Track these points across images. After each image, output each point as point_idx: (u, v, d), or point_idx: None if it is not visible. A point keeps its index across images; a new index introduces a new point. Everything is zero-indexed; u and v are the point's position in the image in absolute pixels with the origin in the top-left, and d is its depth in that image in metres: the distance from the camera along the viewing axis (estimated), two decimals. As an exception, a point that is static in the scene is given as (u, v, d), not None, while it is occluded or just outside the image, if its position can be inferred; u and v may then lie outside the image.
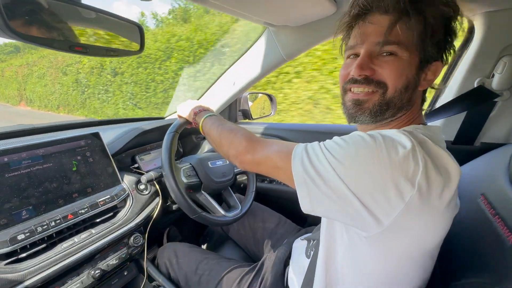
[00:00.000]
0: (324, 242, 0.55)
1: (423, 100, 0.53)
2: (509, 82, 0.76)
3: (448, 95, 0.91)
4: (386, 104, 0.47)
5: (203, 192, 0.91)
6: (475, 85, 0.81)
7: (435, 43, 0.44)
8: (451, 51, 0.46)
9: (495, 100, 0.80)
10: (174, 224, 1.25)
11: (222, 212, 0.89)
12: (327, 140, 0.45)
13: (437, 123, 0.95)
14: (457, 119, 0.89)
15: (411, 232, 0.41)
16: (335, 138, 0.45)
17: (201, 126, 0.73)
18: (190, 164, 0.93)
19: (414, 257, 0.45)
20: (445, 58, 0.45)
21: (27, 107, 9.99)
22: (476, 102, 0.81)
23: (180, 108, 0.85)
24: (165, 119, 1.36)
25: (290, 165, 0.45)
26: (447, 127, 0.92)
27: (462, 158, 0.82)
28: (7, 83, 11.02)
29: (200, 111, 0.77)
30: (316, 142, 0.46)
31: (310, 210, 0.45)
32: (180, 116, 0.85)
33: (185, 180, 0.86)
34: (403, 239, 0.42)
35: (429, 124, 0.52)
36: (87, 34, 0.49)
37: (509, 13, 0.71)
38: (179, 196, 0.77)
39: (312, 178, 0.42)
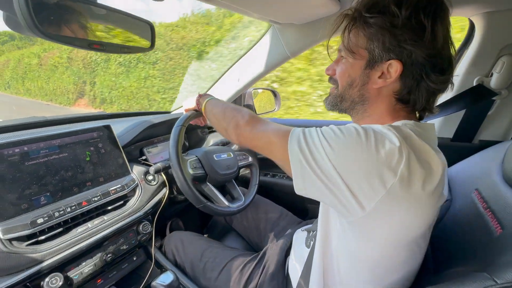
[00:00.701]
0: (321, 231, 0.58)
1: (405, 99, 0.52)
2: (507, 81, 0.78)
3: (447, 93, 0.93)
4: (340, 97, 0.57)
5: (208, 183, 0.95)
6: (474, 84, 0.83)
7: (383, 47, 0.48)
8: (418, 50, 0.47)
9: (494, 98, 0.82)
10: (178, 216, 1.30)
11: (226, 203, 0.93)
12: (324, 127, 0.49)
13: (436, 120, 0.97)
14: (456, 117, 0.91)
15: (393, 219, 0.44)
16: (332, 126, 0.49)
17: (204, 106, 0.78)
18: (196, 156, 0.97)
19: (398, 245, 0.48)
20: (405, 57, 0.47)
21: (91, 107, 7.88)
22: (475, 100, 0.84)
23: (186, 103, 0.90)
24: (171, 113, 1.39)
25: (287, 144, 0.49)
26: (446, 124, 0.95)
27: (461, 154, 0.85)
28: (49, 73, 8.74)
29: (201, 96, 0.84)
30: (314, 127, 0.50)
31: (302, 189, 0.48)
32: (186, 110, 0.89)
33: (191, 172, 0.90)
34: (385, 225, 0.45)
35: (428, 121, 0.55)
36: (103, 32, 0.53)
37: (508, 14, 0.73)
38: (186, 186, 0.81)
39: (306, 158, 0.46)
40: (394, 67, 0.48)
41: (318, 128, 0.49)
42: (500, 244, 0.49)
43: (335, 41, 0.62)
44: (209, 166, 0.96)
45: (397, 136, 0.43)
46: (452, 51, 0.49)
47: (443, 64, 0.48)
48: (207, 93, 0.87)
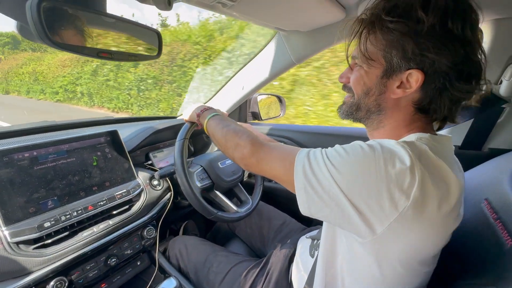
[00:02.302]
0: (324, 244, 0.57)
1: (424, 108, 0.49)
2: (517, 89, 0.76)
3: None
4: (355, 106, 0.54)
5: (215, 191, 0.96)
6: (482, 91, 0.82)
7: (403, 55, 0.45)
8: (442, 58, 0.43)
9: (503, 106, 0.80)
10: (182, 220, 1.30)
11: (235, 208, 0.94)
12: (329, 148, 0.48)
13: (444, 128, 0.95)
14: (465, 125, 0.89)
15: (405, 241, 0.43)
16: (337, 146, 0.47)
17: (205, 128, 0.75)
18: (201, 166, 0.97)
19: (408, 265, 0.47)
20: (427, 66, 0.44)
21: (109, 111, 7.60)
22: (484, 108, 0.82)
23: (185, 112, 0.87)
24: (177, 118, 1.41)
25: (293, 171, 0.47)
26: (454, 132, 0.93)
27: (470, 163, 0.83)
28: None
29: (203, 111, 0.78)
30: (319, 149, 0.48)
31: (308, 214, 0.47)
32: (186, 120, 0.86)
33: (199, 185, 0.90)
34: (395, 247, 0.43)
35: (439, 132, 0.52)
36: (111, 41, 0.54)
37: (517, 21, 0.72)
38: (195, 200, 0.81)
39: (311, 184, 0.44)
40: (415, 77, 0.45)
41: (323, 150, 0.47)
42: (510, 257, 0.47)
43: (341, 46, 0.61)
44: (214, 174, 0.96)
45: (410, 155, 0.41)
46: (482, 57, 0.45)
47: (470, 71, 0.44)
48: (207, 105, 0.82)
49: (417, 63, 0.44)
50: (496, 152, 0.84)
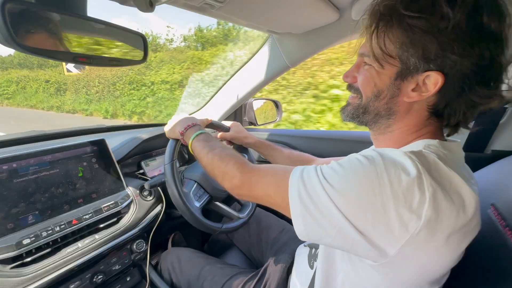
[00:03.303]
0: (324, 261, 0.53)
1: (439, 113, 0.45)
2: (520, 88, 0.73)
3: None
4: (363, 108, 0.50)
5: (215, 203, 0.92)
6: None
7: (423, 55, 0.40)
8: (465, 60, 0.38)
9: (505, 106, 0.78)
10: (180, 230, 1.26)
11: (237, 214, 0.91)
12: (324, 166, 0.44)
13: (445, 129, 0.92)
14: (466, 126, 0.87)
15: (418, 262, 0.39)
16: (333, 163, 0.43)
17: (190, 150, 0.70)
18: (195, 181, 0.91)
19: (418, 285, 0.43)
20: (447, 68, 0.39)
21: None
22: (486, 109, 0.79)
23: (167, 128, 0.80)
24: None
25: (288, 199, 0.43)
26: (456, 134, 0.90)
27: (473, 165, 0.79)
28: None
29: (186, 128, 0.73)
30: (313, 168, 0.44)
31: (308, 240, 0.43)
32: (169, 137, 0.81)
33: (197, 205, 0.85)
34: (408, 269, 0.40)
35: (447, 138, 0.49)
36: (90, 45, 0.51)
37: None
38: (198, 222, 0.77)
39: (309, 210, 0.40)
40: (433, 80, 0.40)
41: (318, 168, 0.43)
42: None
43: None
44: (210, 187, 0.92)
45: (418, 168, 0.37)
46: (504, 60, 0.40)
47: (492, 75, 0.40)
48: (189, 118, 0.77)
49: (437, 64, 0.39)
50: (499, 154, 0.81)
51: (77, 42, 0.48)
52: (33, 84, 10.44)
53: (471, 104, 0.42)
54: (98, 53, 0.51)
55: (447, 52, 0.38)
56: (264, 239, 1.01)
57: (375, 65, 0.45)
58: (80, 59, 0.47)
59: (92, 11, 0.53)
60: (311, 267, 0.67)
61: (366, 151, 0.42)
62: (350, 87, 0.53)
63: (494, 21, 0.37)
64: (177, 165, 0.81)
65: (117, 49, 0.57)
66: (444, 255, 0.39)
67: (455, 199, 0.37)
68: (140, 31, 0.65)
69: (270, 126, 1.99)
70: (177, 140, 0.79)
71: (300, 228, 0.42)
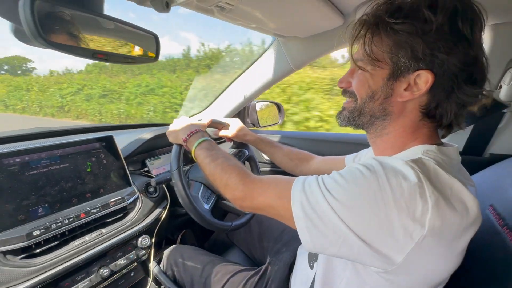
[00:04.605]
0: (325, 267, 0.54)
1: (431, 114, 0.47)
2: (517, 94, 0.76)
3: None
4: (358, 111, 0.52)
5: (222, 201, 0.93)
6: (483, 96, 0.82)
7: (412, 55, 0.43)
8: (452, 58, 0.42)
9: (504, 111, 0.80)
10: (183, 228, 1.27)
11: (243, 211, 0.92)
12: (326, 176, 0.44)
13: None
14: (466, 130, 0.89)
15: (424, 268, 0.40)
16: (334, 174, 0.44)
17: (194, 157, 0.71)
18: (202, 183, 0.92)
19: None
20: (436, 67, 0.42)
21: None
22: (484, 113, 0.82)
23: (170, 133, 0.81)
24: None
25: (291, 211, 0.44)
26: (455, 137, 0.92)
27: (471, 169, 0.81)
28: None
29: (189, 135, 0.73)
30: (315, 179, 0.45)
31: (314, 251, 0.44)
32: (173, 142, 0.81)
33: (207, 207, 0.86)
34: (413, 274, 0.41)
35: (443, 140, 0.50)
36: (108, 43, 0.53)
37: (515, 26, 0.72)
38: (209, 224, 0.78)
39: (313, 222, 0.41)
40: (424, 78, 0.43)
41: (319, 179, 0.44)
42: None
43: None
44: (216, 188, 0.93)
45: (418, 176, 0.38)
46: (484, 61, 0.44)
47: (477, 74, 0.43)
48: (192, 123, 0.78)
49: (426, 63, 0.42)
50: (498, 158, 0.83)
51: (96, 40, 0.51)
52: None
53: (460, 103, 0.45)
54: (114, 50, 0.53)
55: (434, 51, 0.41)
56: (265, 239, 1.02)
57: (369, 68, 0.48)
58: (98, 56, 0.49)
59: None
60: (311, 267, 0.68)
61: (367, 161, 0.43)
62: (345, 92, 0.55)
63: (466, 27, 0.41)
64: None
65: (131, 48, 0.59)
66: (448, 259, 0.40)
67: (457, 205, 0.38)
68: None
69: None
70: (180, 145, 0.79)
71: (306, 239, 0.43)
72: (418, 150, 0.45)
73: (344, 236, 0.39)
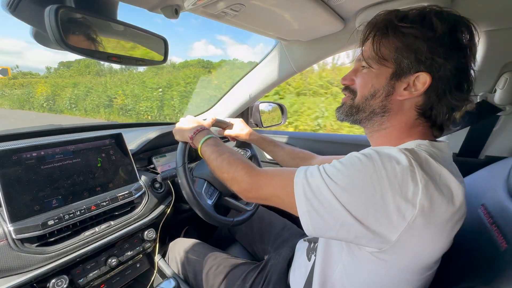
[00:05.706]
0: (322, 251, 0.58)
1: (426, 114, 0.51)
2: (511, 97, 0.78)
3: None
4: (356, 107, 0.56)
5: (225, 198, 0.97)
6: (478, 100, 0.84)
7: (415, 58, 0.47)
8: (448, 64, 0.46)
9: (498, 114, 0.82)
10: (188, 222, 1.31)
11: (244, 207, 0.96)
12: (326, 165, 0.48)
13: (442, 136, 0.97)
14: (462, 132, 0.91)
15: (414, 249, 0.43)
16: (334, 162, 0.47)
17: (200, 154, 0.73)
18: (205, 180, 0.95)
19: (412, 272, 0.47)
20: (434, 70, 0.47)
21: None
22: (480, 116, 0.84)
23: (176, 131, 0.83)
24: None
25: (294, 198, 0.47)
26: (451, 139, 0.95)
27: (467, 170, 0.84)
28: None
29: (196, 133, 0.76)
30: (316, 167, 0.48)
31: (314, 235, 0.48)
32: (178, 140, 0.83)
33: (210, 203, 0.89)
34: (406, 255, 0.44)
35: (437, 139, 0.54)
36: (121, 46, 0.57)
37: (509, 32, 0.75)
38: (212, 219, 0.81)
39: (314, 206, 0.44)
40: (422, 80, 0.47)
41: (321, 167, 0.48)
42: (504, 259, 0.48)
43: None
44: (219, 184, 0.96)
45: (410, 161, 0.42)
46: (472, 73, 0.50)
47: (465, 82, 0.48)
48: (198, 122, 0.80)
49: (426, 66, 0.47)
50: (493, 160, 0.85)
51: (110, 44, 0.55)
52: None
53: (450, 106, 0.49)
54: (127, 53, 0.58)
55: (435, 55, 0.46)
56: (266, 235, 1.05)
57: (374, 67, 0.52)
58: (113, 59, 0.53)
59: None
60: (309, 259, 0.72)
61: (364, 150, 0.47)
62: (346, 89, 0.59)
63: (465, 36, 0.47)
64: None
65: (142, 51, 0.63)
66: (437, 241, 0.44)
67: (445, 191, 0.42)
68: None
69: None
70: (186, 143, 0.82)
71: (306, 223, 0.46)
72: (412, 144, 0.49)
73: (342, 219, 0.42)
